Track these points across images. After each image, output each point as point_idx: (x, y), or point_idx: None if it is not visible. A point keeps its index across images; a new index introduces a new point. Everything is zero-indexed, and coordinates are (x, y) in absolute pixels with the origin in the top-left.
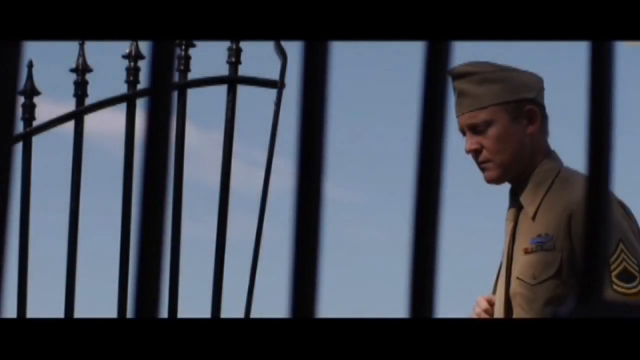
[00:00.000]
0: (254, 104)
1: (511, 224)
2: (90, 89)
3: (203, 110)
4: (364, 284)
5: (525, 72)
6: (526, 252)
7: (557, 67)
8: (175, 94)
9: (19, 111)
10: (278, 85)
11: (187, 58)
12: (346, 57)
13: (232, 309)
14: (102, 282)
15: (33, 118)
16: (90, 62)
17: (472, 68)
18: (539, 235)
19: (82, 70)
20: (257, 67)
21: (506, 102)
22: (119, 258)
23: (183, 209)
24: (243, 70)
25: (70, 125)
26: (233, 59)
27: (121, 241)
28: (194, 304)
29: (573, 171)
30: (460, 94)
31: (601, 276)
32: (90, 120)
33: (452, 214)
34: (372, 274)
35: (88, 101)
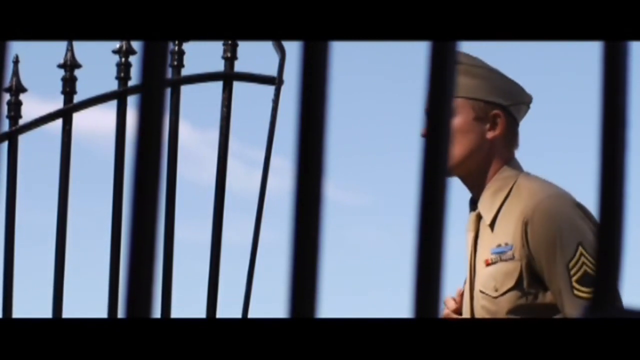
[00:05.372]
0: (250, 101)
1: (472, 234)
2: (79, 86)
3: (197, 108)
4: (366, 286)
5: (511, 81)
6: (487, 263)
7: (566, 67)
8: (168, 91)
9: (4, 109)
10: (276, 81)
11: (181, 53)
12: (349, 54)
13: (228, 312)
14: (92, 286)
15: (19, 116)
16: (79, 57)
17: (458, 57)
18: (499, 245)
19: (70, 66)
20: (253, 63)
21: (475, 99)
22: (109, 261)
23: (177, 210)
24: (239, 66)
25: (58, 123)
26: (229, 55)
27: (111, 244)
28: (188, 308)
29: (531, 177)
30: None
31: (615, 285)
32: (79, 118)
33: (456, 215)
34: (375, 277)
35: (77, 98)
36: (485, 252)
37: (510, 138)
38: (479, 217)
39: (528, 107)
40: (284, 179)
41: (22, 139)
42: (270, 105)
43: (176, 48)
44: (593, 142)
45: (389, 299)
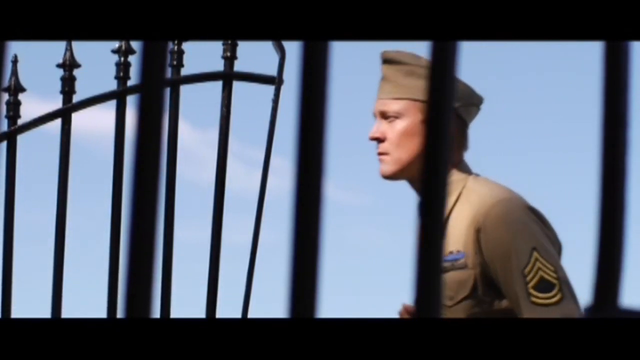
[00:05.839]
0: (250, 100)
1: None
2: (78, 86)
3: (197, 108)
4: (366, 286)
5: (462, 83)
6: None
7: (569, 67)
8: (168, 91)
9: (3, 109)
10: (276, 81)
11: (180, 53)
12: (349, 54)
13: (228, 312)
14: (91, 286)
15: (18, 116)
16: (78, 57)
17: (403, 58)
18: (450, 252)
19: (69, 65)
20: (253, 63)
21: (423, 101)
22: (108, 262)
23: (177, 210)
24: (239, 66)
25: (57, 123)
26: (228, 54)
27: (111, 244)
28: (188, 308)
29: (480, 179)
30: (383, 79)
31: (616, 286)
32: (78, 118)
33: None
34: (375, 277)
35: (76, 98)
36: None
37: (459, 140)
38: None
39: (478, 109)
40: (284, 179)
41: (21, 139)
42: (270, 105)
43: (176, 48)
44: (594, 143)
45: (389, 299)
